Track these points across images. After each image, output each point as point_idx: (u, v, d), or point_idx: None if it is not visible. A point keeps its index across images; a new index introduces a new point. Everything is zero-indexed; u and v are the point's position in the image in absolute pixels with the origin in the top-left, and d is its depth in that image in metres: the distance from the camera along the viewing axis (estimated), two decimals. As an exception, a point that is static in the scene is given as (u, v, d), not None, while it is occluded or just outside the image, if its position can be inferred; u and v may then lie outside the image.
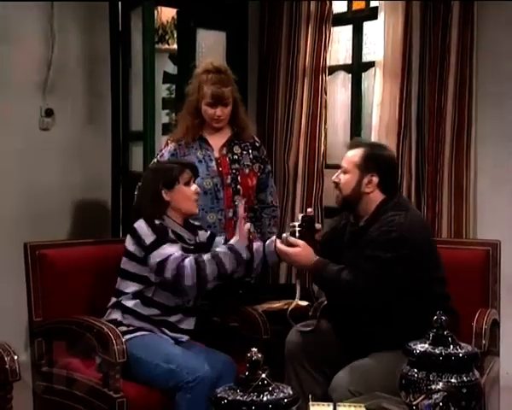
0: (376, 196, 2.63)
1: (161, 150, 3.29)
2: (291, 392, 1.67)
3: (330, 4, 4.33)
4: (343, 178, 2.66)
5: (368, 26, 4.41)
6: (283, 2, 4.49)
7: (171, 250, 2.65)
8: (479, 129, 3.77)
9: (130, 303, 2.72)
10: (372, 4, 4.32)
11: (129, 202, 4.19)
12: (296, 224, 2.66)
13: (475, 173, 3.79)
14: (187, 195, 2.79)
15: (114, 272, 2.94)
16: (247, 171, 3.23)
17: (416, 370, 1.89)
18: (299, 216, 2.69)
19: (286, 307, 3.57)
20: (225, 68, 3.22)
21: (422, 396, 1.85)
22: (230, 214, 3.16)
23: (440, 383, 1.84)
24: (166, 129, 8.01)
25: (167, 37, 6.25)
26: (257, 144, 3.32)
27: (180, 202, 2.78)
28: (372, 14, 4.23)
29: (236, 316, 2.96)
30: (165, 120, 8.42)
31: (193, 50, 4.65)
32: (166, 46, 6.79)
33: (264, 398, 1.61)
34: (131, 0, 4.11)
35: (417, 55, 3.91)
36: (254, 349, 1.69)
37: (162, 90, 7.59)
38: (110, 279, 2.99)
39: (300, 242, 2.61)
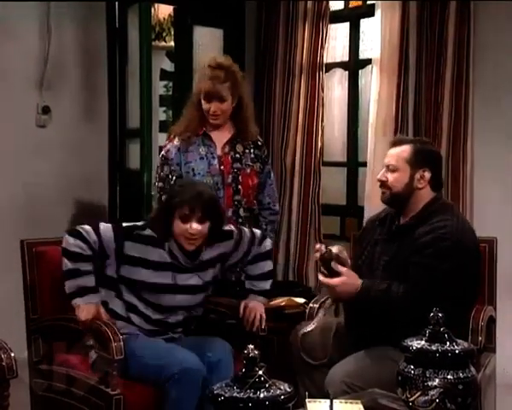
0: (426, 193, 2.60)
1: (166, 146, 3.27)
2: (288, 389, 1.67)
3: (327, 2, 4.34)
4: (392, 176, 2.60)
5: (365, 23, 4.41)
6: (280, 0, 4.49)
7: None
8: (475, 124, 3.78)
9: (118, 309, 2.70)
10: (369, 2, 4.32)
11: (125, 198, 4.21)
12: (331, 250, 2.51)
13: (472, 169, 3.80)
14: (179, 231, 2.62)
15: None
16: (248, 170, 3.20)
17: (412, 366, 1.89)
18: (322, 247, 2.53)
19: (283, 303, 3.59)
20: (228, 65, 3.17)
21: (419, 393, 1.85)
22: (230, 214, 3.12)
23: (437, 380, 1.84)
24: (163, 126, 8.03)
25: (164, 34, 6.23)
26: (259, 143, 3.30)
27: (175, 234, 2.65)
28: (369, 11, 4.23)
29: (233, 313, 2.96)
30: (163, 117, 8.42)
31: (190, 47, 4.64)
32: (163, 43, 6.77)
33: (261, 395, 1.61)
34: (128, -4, 4.11)
35: (414, 51, 3.92)
36: (251, 346, 1.69)
37: (159, 88, 7.59)
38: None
39: (343, 268, 2.50)
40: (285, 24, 4.49)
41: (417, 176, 2.58)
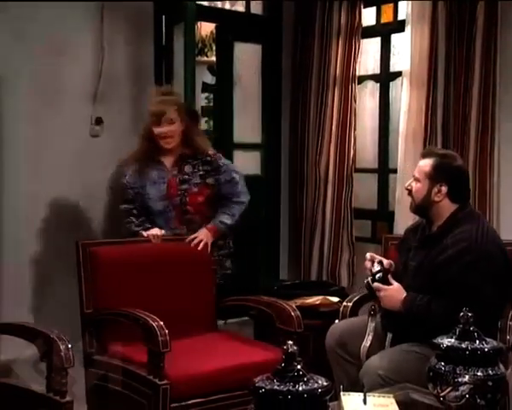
0: (447, 205, 2.60)
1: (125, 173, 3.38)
2: (325, 383, 1.66)
3: (360, 18, 4.32)
4: (415, 186, 2.65)
5: (395, 37, 4.38)
6: (315, 16, 4.48)
7: None
8: (502, 136, 3.72)
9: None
10: (400, 17, 4.29)
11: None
12: (378, 269, 2.63)
13: (499, 179, 3.74)
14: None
15: (161, 268, 2.98)
16: (196, 189, 3.27)
17: (443, 363, 1.87)
18: (376, 266, 2.65)
19: (318, 302, 3.59)
20: (171, 91, 3.40)
21: (449, 388, 1.83)
22: (185, 231, 3.27)
23: (467, 376, 1.82)
24: (205, 135, 8.09)
25: (206, 49, 6.27)
26: (208, 158, 3.30)
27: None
28: (399, 26, 4.20)
29: (272, 311, 2.96)
30: (204, 127, 8.49)
31: (230, 62, 4.66)
32: (205, 58, 6.82)
33: (300, 388, 1.60)
34: (174, 16, 4.14)
35: (443, 65, 3.87)
36: (290, 342, 1.69)
37: (201, 99, 7.65)
38: (155, 274, 3.03)
39: (395, 282, 2.60)
40: (320, 39, 4.48)
41: (435, 190, 2.59)
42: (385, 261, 2.68)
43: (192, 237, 3.19)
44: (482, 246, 2.48)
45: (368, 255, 2.72)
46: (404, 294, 2.56)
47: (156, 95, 3.33)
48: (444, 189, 2.59)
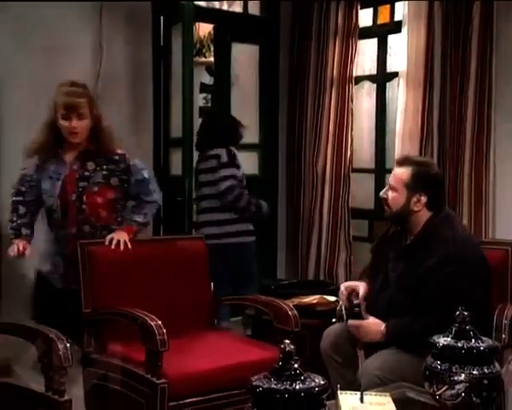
0: (424, 213, 2.55)
1: (25, 168, 3.10)
2: (322, 382, 1.66)
3: (357, 19, 4.32)
4: (391, 195, 2.58)
5: (392, 38, 4.39)
6: (313, 17, 4.49)
7: None
8: (497, 135, 3.73)
9: None
10: (396, 19, 4.30)
11: (169, 202, 4.24)
12: (355, 303, 2.60)
13: (494, 177, 3.74)
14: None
15: (159, 268, 2.97)
16: (95, 189, 3.01)
17: (439, 362, 1.86)
18: (354, 299, 2.63)
19: (315, 301, 3.58)
20: (83, 84, 3.05)
21: (445, 387, 1.83)
22: (74, 231, 3.01)
23: (463, 375, 1.81)
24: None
25: (204, 50, 6.27)
26: (115, 157, 3.05)
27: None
28: (396, 27, 4.21)
29: (269, 310, 2.96)
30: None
31: (228, 63, 4.67)
32: (203, 59, 6.81)
33: (297, 386, 1.59)
34: (172, 16, 4.15)
35: (439, 65, 3.88)
36: (287, 341, 1.68)
37: (199, 100, 7.64)
38: (153, 274, 3.02)
39: (369, 316, 2.56)
40: (317, 40, 4.49)
41: (414, 199, 2.53)
42: (361, 293, 2.65)
43: (109, 237, 2.98)
44: (465, 252, 2.46)
45: (343, 287, 2.70)
46: (383, 325, 2.50)
47: (65, 85, 2.99)
48: (423, 198, 2.53)
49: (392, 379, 2.33)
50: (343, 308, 2.65)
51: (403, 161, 2.62)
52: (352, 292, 2.68)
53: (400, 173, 2.57)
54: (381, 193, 2.66)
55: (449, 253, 2.45)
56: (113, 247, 2.96)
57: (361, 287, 2.70)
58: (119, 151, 3.09)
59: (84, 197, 3.00)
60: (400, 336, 2.48)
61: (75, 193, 3.00)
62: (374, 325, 2.53)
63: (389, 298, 2.58)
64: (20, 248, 2.94)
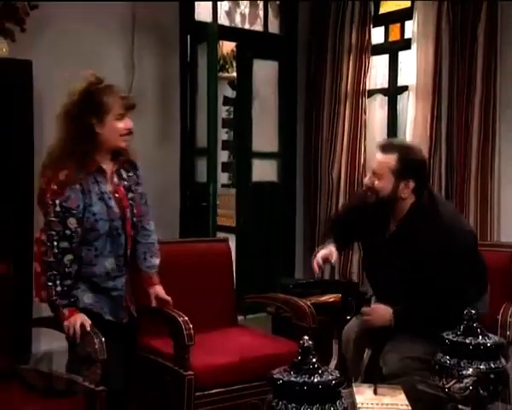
0: (409, 198, 2.37)
1: (54, 193, 2.21)
2: (338, 375, 1.66)
3: (369, 36, 4.31)
4: (378, 183, 2.35)
5: (402, 54, 4.37)
6: (328, 35, 4.49)
7: None
8: (502, 143, 3.70)
9: None
10: (406, 36, 4.28)
11: (194, 207, 4.26)
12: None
13: (499, 183, 3.71)
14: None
15: (186, 268, 2.98)
16: (137, 199, 2.41)
17: (448, 357, 1.86)
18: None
19: (331, 300, 3.57)
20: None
21: (454, 380, 1.82)
22: (129, 256, 2.40)
23: (470, 369, 1.81)
24: (225, 145, 8.12)
25: (227, 66, 6.32)
26: (133, 161, 2.44)
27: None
28: (406, 44, 4.19)
29: (288, 307, 2.96)
30: (225, 137, 8.54)
31: (249, 78, 4.67)
32: (226, 74, 6.86)
33: (315, 379, 1.60)
34: (198, 35, 4.18)
35: (446, 79, 3.86)
36: (306, 337, 1.69)
37: (222, 112, 7.69)
38: (180, 274, 3.04)
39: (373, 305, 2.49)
40: (332, 56, 4.48)
41: (401, 186, 2.32)
42: (334, 258, 2.55)
43: (162, 298, 2.54)
44: (455, 230, 2.30)
45: (320, 258, 2.58)
46: (391, 310, 2.36)
47: (101, 82, 2.31)
48: (411, 184, 2.32)
49: (416, 367, 2.25)
50: (353, 303, 2.60)
51: (386, 147, 2.38)
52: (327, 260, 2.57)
53: (386, 160, 2.33)
54: (365, 180, 2.45)
55: (441, 234, 2.28)
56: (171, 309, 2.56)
57: (334, 254, 2.58)
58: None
59: (135, 210, 2.39)
60: (408, 320, 2.34)
61: (128, 208, 2.36)
62: (382, 309, 2.40)
63: (388, 284, 2.42)
64: (86, 326, 2.21)
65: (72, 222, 2.21)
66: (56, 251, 2.21)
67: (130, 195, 2.37)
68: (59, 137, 2.26)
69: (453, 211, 2.50)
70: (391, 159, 2.33)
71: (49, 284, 2.23)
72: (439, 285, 2.28)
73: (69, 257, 2.22)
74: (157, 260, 2.51)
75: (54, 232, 2.21)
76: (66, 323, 2.22)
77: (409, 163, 2.33)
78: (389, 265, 2.40)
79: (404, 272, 2.35)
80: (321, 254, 2.62)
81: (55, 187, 2.20)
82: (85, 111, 2.23)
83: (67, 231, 2.21)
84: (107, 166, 2.33)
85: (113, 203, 2.29)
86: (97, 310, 2.33)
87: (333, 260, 2.60)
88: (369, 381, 2.21)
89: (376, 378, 2.15)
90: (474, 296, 2.31)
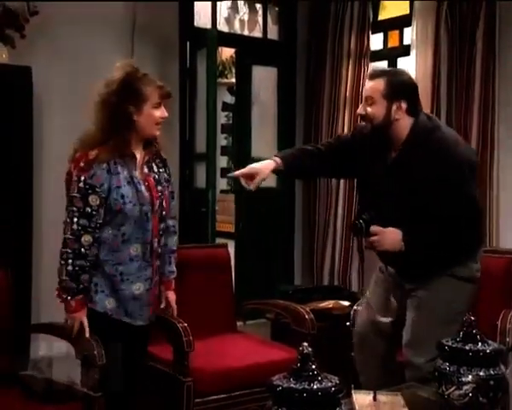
0: (405, 122, 2.36)
1: (81, 169, 2.23)
2: (337, 382, 1.65)
3: (368, 42, 4.32)
4: (370, 109, 2.36)
5: (401, 61, 4.37)
6: (327, 41, 4.50)
7: None
8: (500, 150, 3.70)
9: None
10: (405, 42, 4.30)
11: (193, 212, 4.26)
12: (364, 217, 2.36)
13: (498, 189, 3.71)
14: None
15: (186, 274, 2.97)
16: (167, 193, 2.40)
17: (448, 364, 1.85)
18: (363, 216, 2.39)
19: (330, 306, 3.57)
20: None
21: (454, 387, 1.82)
22: (155, 245, 2.35)
23: (470, 376, 1.80)
24: (224, 151, 8.12)
25: (226, 72, 6.33)
26: (163, 156, 2.45)
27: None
28: (405, 51, 4.20)
29: (288, 313, 2.96)
30: (224, 143, 8.55)
31: (249, 83, 4.69)
32: (225, 80, 6.87)
33: (314, 386, 1.59)
34: (198, 42, 4.19)
35: (445, 85, 3.86)
36: (305, 344, 1.68)
37: (221, 118, 7.70)
38: (182, 280, 3.02)
39: (379, 227, 2.35)
40: (331, 62, 4.49)
41: (394, 107, 2.33)
42: (271, 168, 2.56)
43: (172, 304, 2.55)
44: (458, 151, 2.32)
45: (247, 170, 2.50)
46: (401, 233, 2.31)
47: (139, 70, 2.31)
48: (403, 105, 2.33)
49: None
50: (361, 222, 2.36)
51: (374, 74, 2.42)
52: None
53: (375, 85, 2.36)
54: (358, 110, 2.45)
55: (437, 161, 2.28)
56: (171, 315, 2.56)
57: (264, 172, 2.56)
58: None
59: (164, 203, 2.36)
60: (419, 244, 2.31)
61: (158, 199, 2.33)
62: (393, 232, 2.32)
63: (389, 212, 2.36)
64: (85, 333, 2.24)
65: (93, 200, 2.20)
66: (75, 227, 2.19)
67: (160, 188, 2.35)
68: (95, 125, 2.28)
69: (452, 136, 2.45)
70: (380, 83, 2.36)
71: (62, 262, 2.20)
72: (434, 212, 2.28)
73: (87, 238, 2.20)
74: (174, 266, 2.54)
75: (75, 208, 2.20)
76: (68, 315, 2.24)
77: (398, 84, 2.37)
78: (390, 193, 2.38)
79: (405, 199, 2.34)
80: (250, 167, 2.54)
81: (83, 164, 2.22)
82: (124, 100, 2.24)
83: (88, 209, 2.20)
84: (139, 155, 2.33)
85: (142, 188, 2.29)
86: (117, 316, 2.29)
87: (257, 179, 2.50)
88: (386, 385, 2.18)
89: (394, 382, 2.15)
90: (471, 232, 2.34)
